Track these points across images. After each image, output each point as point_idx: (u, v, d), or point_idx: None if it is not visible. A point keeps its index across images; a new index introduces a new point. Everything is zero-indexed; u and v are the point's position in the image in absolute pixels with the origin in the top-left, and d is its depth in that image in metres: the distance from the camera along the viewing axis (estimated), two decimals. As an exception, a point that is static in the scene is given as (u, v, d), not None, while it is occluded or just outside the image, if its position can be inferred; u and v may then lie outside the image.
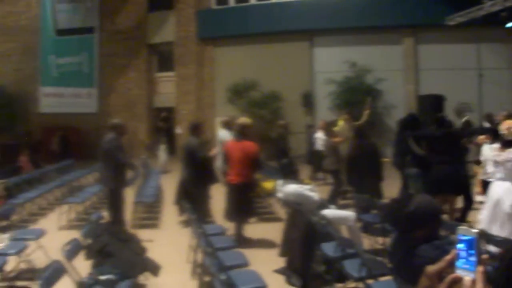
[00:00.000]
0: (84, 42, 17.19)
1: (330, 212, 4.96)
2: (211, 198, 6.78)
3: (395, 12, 13.85)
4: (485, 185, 5.75)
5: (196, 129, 6.67)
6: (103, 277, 3.58)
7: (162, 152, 13.01)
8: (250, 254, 4.26)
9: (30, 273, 5.05)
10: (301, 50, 15.03)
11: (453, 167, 5.79)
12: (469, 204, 5.93)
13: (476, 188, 6.96)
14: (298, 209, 4.57)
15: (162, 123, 14.30)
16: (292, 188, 5.00)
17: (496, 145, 4.88)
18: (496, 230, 4.42)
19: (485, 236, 3.65)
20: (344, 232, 4.94)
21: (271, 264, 4.55)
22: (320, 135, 9.64)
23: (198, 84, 15.79)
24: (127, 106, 16.33)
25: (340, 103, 13.39)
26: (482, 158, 5.99)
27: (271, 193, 7.28)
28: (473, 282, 0.80)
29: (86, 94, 17.11)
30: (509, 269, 1.26)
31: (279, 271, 4.44)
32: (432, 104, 11.40)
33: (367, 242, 5.22)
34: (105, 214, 6.01)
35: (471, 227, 0.87)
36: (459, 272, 0.82)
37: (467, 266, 0.82)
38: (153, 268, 4.17)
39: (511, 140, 4.63)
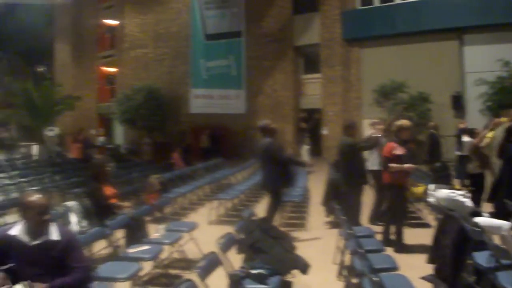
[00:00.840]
0: (231, 45, 20.79)
1: (483, 219, 5.10)
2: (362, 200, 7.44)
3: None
4: None
5: (350, 128, 7.54)
6: (254, 271, 4.12)
7: (305, 153, 15.29)
8: (397, 258, 4.56)
9: (182, 263, 6.01)
10: (450, 49, 16.20)
11: None
12: None
13: None
14: (450, 215, 4.72)
15: (305, 124, 17.12)
16: (444, 193, 5.44)
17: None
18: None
19: None
20: (497, 242, 4.97)
21: (418, 270, 4.66)
22: (466, 139, 10.19)
23: (344, 86, 17.98)
24: (274, 107, 19.37)
25: (492, 105, 13.80)
26: None
27: (420, 198, 7.51)
28: None
29: (234, 95, 20.66)
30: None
31: (427, 279, 4.56)
32: None
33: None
34: (255, 211, 6.60)
35: None
36: None
37: None
38: (303, 266, 4.66)
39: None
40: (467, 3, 15.74)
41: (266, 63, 19.96)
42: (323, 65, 18.65)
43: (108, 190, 6.67)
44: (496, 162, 6.95)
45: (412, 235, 6.66)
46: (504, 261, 3.97)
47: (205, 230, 7.17)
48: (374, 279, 3.43)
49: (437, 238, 4.76)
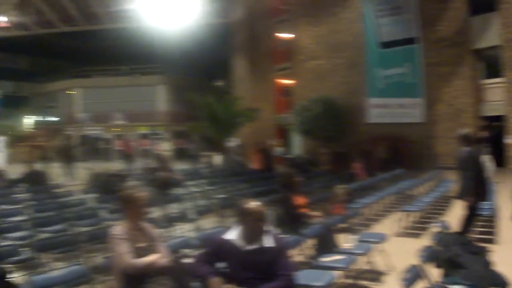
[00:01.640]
0: (407, 53, 22.91)
1: None
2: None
3: None
4: None
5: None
6: (452, 287, 4.31)
7: (488, 163, 16.71)
8: None
9: (371, 274, 6.40)
10: None
11: None
12: None
13: None
14: None
15: (485, 132, 18.22)
16: None
17: None
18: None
19: None
20: None
21: None
22: None
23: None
24: (454, 115, 20.87)
25: None
26: None
27: None
28: None
29: (411, 104, 22.69)
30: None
31: None
32: None
33: None
34: (446, 224, 6.77)
35: None
36: None
37: None
38: (502, 283, 4.71)
39: None
40: None
41: (444, 69, 21.50)
42: (506, 68, 19.55)
43: (299, 200, 7.57)
44: None
45: None
46: None
47: (391, 242, 7.63)
48: None
49: None
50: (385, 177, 15.02)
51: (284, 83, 29.76)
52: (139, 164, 24.29)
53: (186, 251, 5.87)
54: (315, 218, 7.46)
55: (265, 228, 4.21)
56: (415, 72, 22.92)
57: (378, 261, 6.80)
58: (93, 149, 38.94)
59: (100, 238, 6.85)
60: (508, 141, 19.08)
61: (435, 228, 6.89)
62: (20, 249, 6.44)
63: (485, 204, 8.51)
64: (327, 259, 5.81)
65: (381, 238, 6.99)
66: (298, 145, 28.21)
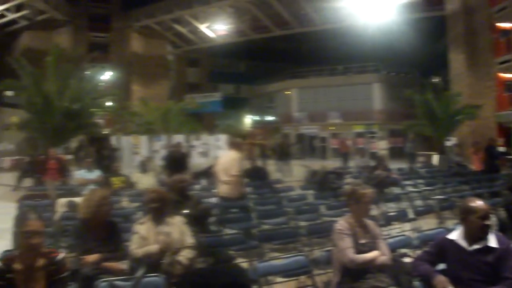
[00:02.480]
0: None
1: None
2: None
3: None
4: None
5: None
6: None
7: None
8: None
9: None
10: None
11: None
12: None
13: None
14: None
15: None
16: None
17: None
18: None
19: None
20: None
21: None
22: None
23: None
24: None
25: None
26: None
27: None
28: None
29: None
30: None
31: None
32: None
33: None
34: None
35: None
36: None
37: None
38: None
39: None
40: None
41: None
42: None
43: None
44: None
45: None
46: None
47: None
48: None
49: None
50: None
51: (506, 77, 27.91)
52: (355, 162, 24.88)
53: (405, 250, 5.79)
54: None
55: (489, 227, 4.08)
56: None
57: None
58: (309, 147, 40.97)
59: (319, 233, 7.15)
60: None
61: None
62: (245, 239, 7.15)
63: None
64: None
65: None
66: (524, 145, 26.24)
